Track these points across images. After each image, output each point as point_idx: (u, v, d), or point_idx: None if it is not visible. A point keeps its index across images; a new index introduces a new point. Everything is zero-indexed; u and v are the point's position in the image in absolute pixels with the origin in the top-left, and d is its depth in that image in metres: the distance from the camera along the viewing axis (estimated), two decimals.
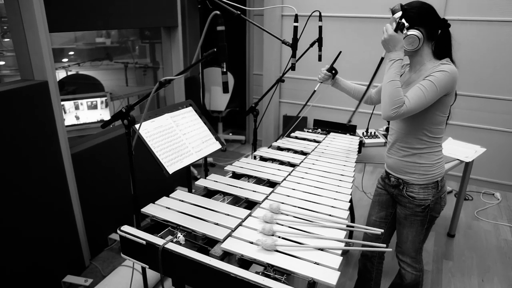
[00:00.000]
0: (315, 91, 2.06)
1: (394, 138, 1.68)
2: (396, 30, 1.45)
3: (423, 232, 1.71)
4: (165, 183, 3.18)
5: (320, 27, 2.13)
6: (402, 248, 1.77)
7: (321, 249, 1.14)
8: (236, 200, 1.53)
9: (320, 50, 2.18)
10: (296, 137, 2.40)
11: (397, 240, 1.80)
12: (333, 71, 1.97)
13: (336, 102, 4.29)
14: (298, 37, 1.98)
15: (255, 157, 2.01)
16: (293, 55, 2.01)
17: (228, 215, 1.33)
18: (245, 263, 1.12)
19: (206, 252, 1.14)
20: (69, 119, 3.06)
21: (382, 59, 1.57)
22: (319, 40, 2.16)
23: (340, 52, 1.98)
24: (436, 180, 1.64)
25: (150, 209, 1.36)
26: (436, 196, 1.66)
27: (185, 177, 1.92)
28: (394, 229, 1.90)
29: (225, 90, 1.35)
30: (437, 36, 1.53)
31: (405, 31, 1.47)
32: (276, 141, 2.23)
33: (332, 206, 1.43)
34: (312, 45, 2.18)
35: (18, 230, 1.95)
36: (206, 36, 1.34)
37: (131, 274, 2.04)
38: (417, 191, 1.64)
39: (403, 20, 1.46)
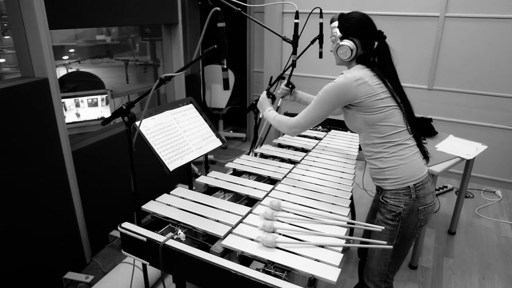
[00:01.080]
0: (278, 107, 2.12)
1: (362, 149, 1.64)
2: (267, 96, 1.87)
3: (390, 250, 1.58)
4: (165, 180, 3.18)
5: (321, 24, 2.13)
6: (368, 267, 1.66)
7: (322, 246, 1.14)
8: (237, 197, 1.53)
9: (321, 47, 2.18)
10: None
11: (366, 260, 1.69)
12: (290, 86, 2.01)
13: None
14: (299, 34, 1.98)
15: (255, 154, 2.01)
16: (294, 52, 2.00)
17: (228, 212, 1.33)
18: (245, 260, 1.12)
19: (206, 249, 1.14)
20: (70, 117, 3.06)
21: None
22: (320, 37, 2.15)
23: (295, 64, 2.09)
24: (407, 185, 1.49)
25: (150, 206, 1.36)
26: (410, 205, 1.50)
27: (186, 174, 1.92)
28: None
29: (226, 87, 1.35)
30: (372, 48, 1.54)
31: (338, 41, 1.51)
32: (252, 150, 2.14)
33: (333, 203, 1.43)
34: (313, 42, 2.17)
35: (19, 227, 1.95)
36: (206, 33, 1.34)
37: (132, 271, 2.04)
38: (389, 197, 1.53)
39: (337, 30, 1.51)
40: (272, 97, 1.94)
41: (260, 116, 1.97)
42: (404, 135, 1.50)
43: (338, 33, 1.51)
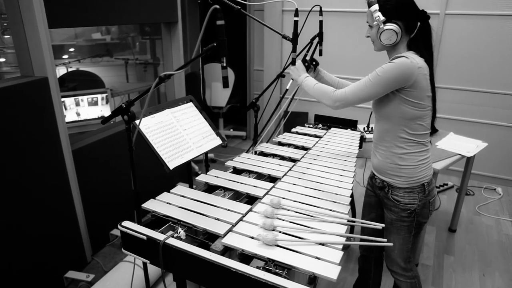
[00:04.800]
0: (287, 89, 2.01)
1: (376, 138, 1.61)
2: (303, 63, 1.76)
3: (410, 239, 1.62)
4: (166, 178, 3.18)
5: (321, 22, 2.12)
6: (390, 257, 1.69)
7: (322, 244, 1.14)
8: (237, 195, 1.53)
9: (320, 44, 2.17)
10: (297, 133, 2.40)
11: (385, 249, 1.73)
12: (314, 63, 1.86)
13: None
14: (298, 31, 1.97)
15: (255, 153, 2.00)
16: (294, 50, 2.00)
17: (228, 210, 1.33)
18: (246, 258, 1.12)
19: (207, 247, 1.14)
20: (70, 116, 3.06)
21: (287, 90, 1.96)
22: (320, 35, 2.15)
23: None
24: (422, 183, 1.53)
25: (151, 205, 1.36)
26: (424, 200, 1.55)
27: (186, 173, 1.92)
28: None
29: (225, 85, 1.34)
30: (415, 29, 1.46)
31: (381, 26, 1.42)
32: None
33: (333, 201, 1.43)
34: (312, 39, 2.17)
35: (19, 226, 1.95)
36: (206, 31, 1.33)
37: (133, 269, 2.04)
38: (402, 195, 1.54)
39: (379, 14, 1.41)
40: (307, 65, 1.78)
41: (288, 86, 1.81)
42: (428, 137, 1.52)
43: (381, 17, 1.40)
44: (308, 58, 1.83)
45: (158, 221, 1.31)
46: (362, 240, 1.42)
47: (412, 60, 1.37)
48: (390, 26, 1.40)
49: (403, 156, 1.51)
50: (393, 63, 1.37)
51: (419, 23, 1.46)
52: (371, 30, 1.49)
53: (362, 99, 1.45)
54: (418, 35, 1.46)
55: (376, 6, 1.41)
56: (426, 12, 1.44)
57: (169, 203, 1.37)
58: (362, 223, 1.34)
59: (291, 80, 1.80)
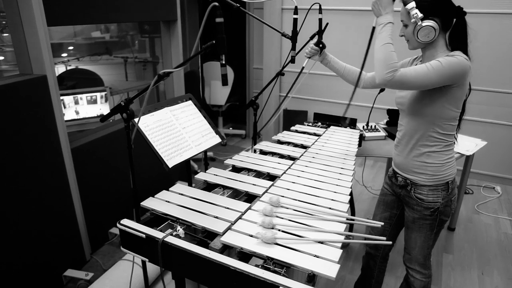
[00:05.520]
0: (303, 67, 1.90)
1: (402, 134, 1.60)
2: None
3: (432, 237, 1.64)
4: (165, 177, 3.18)
5: (320, 20, 2.11)
6: (410, 255, 1.70)
7: (321, 242, 1.14)
8: (236, 194, 1.52)
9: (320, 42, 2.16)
10: (296, 131, 2.40)
11: (405, 246, 1.73)
12: (321, 45, 1.80)
13: (336, 95, 4.27)
14: (298, 29, 1.97)
15: (255, 151, 2.00)
16: (293, 48, 2.00)
17: (227, 208, 1.33)
18: (244, 256, 1.12)
19: (205, 245, 1.14)
20: (69, 114, 3.05)
21: (374, 28, 1.51)
22: (319, 33, 2.14)
23: (327, 23, 1.90)
24: (447, 181, 1.55)
25: (149, 203, 1.36)
26: (447, 198, 1.56)
27: (185, 171, 1.92)
28: (399, 231, 1.86)
29: (224, 82, 1.34)
30: (451, 26, 1.45)
31: (419, 23, 1.40)
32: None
33: (332, 199, 1.43)
34: (312, 37, 2.16)
35: (18, 225, 1.95)
36: (205, 29, 1.33)
37: (132, 267, 2.04)
38: (425, 193, 1.56)
39: (417, 11, 1.38)
40: (322, 46, 1.59)
41: (374, 24, 1.50)
42: (453, 137, 1.54)
43: (419, 14, 1.38)
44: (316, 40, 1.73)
45: (157, 219, 1.31)
46: (363, 238, 1.41)
47: (468, 61, 1.39)
48: (428, 22, 1.39)
49: (431, 154, 1.52)
50: (456, 58, 1.36)
51: (454, 20, 1.44)
52: (405, 29, 1.47)
53: (417, 85, 1.39)
54: (455, 31, 1.45)
55: (413, 4, 1.39)
56: (462, 8, 1.43)
57: (168, 201, 1.37)
58: (361, 221, 1.34)
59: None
